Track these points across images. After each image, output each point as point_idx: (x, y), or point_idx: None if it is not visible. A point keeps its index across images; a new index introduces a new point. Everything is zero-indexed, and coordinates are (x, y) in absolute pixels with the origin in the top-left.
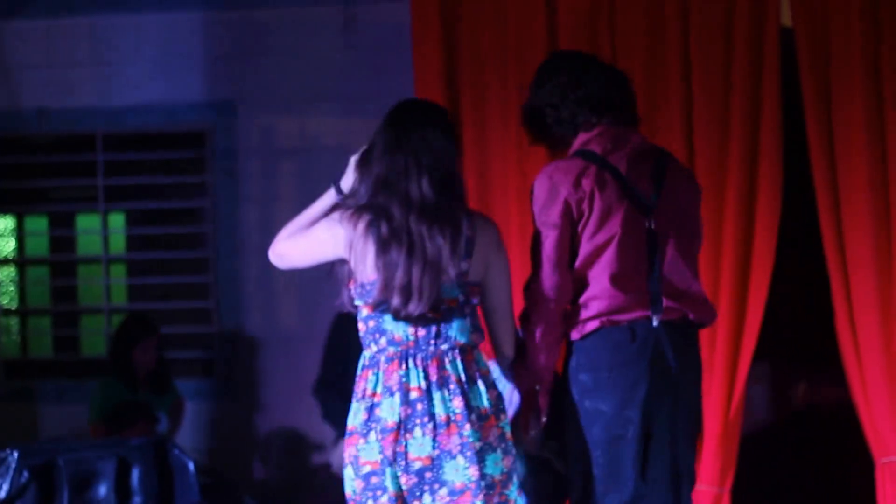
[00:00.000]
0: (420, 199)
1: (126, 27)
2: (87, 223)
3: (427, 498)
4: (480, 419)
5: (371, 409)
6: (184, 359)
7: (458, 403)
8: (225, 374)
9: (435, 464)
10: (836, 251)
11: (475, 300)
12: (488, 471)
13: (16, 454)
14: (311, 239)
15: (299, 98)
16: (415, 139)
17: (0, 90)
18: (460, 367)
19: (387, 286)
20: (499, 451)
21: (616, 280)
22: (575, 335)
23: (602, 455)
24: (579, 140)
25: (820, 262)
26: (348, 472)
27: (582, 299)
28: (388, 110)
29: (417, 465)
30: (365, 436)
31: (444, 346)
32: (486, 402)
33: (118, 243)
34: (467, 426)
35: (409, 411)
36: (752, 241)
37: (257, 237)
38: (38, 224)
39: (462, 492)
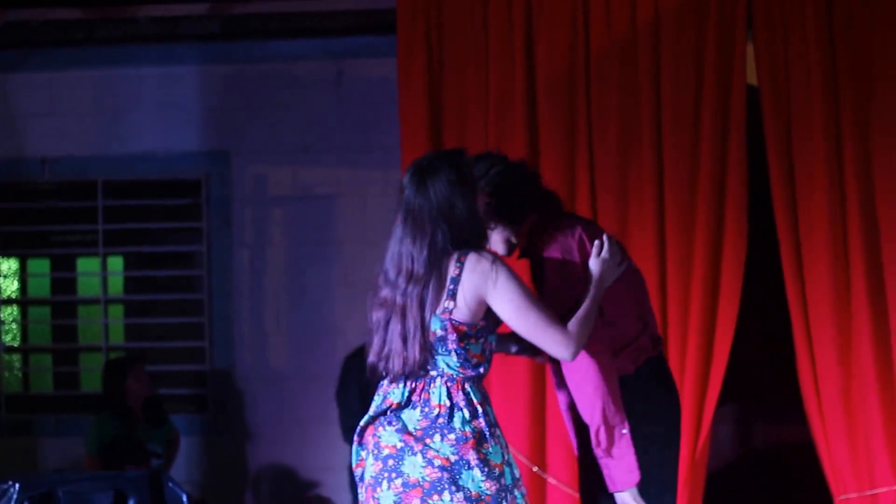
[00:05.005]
0: None
1: (126, 80)
2: (87, 266)
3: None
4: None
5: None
6: (178, 395)
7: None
8: (217, 409)
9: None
10: (798, 297)
11: (456, 336)
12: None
13: (17, 486)
14: None
15: (291, 148)
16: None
17: (5, 139)
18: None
19: None
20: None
21: None
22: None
23: None
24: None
25: (783, 307)
26: None
27: None
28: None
29: (385, 451)
30: None
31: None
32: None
33: (116, 285)
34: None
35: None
36: (718, 291)
37: (249, 281)
38: (41, 266)
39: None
